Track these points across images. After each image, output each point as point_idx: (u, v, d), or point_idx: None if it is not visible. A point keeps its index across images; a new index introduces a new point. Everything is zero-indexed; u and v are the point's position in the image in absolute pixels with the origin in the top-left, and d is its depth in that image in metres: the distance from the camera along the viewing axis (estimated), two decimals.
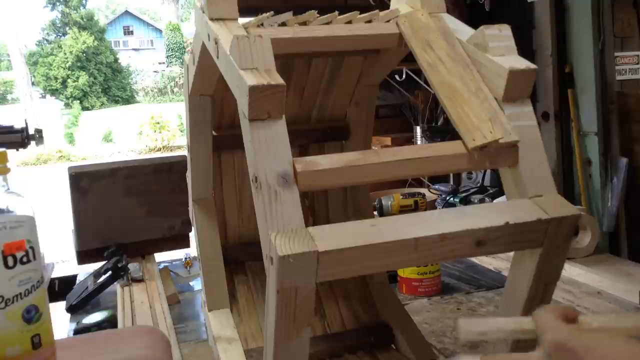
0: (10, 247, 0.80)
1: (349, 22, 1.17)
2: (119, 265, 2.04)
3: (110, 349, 1.00)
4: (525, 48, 2.99)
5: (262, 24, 1.12)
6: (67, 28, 27.64)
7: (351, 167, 0.93)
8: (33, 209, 0.84)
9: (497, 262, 2.19)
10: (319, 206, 1.75)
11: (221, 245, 1.61)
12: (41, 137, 2.30)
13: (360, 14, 1.18)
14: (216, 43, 1.03)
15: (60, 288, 2.32)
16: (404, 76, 3.62)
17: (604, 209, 2.78)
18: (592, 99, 2.79)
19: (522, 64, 0.99)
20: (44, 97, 27.76)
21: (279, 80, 0.90)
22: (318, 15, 1.16)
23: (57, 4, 28.45)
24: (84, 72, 26.22)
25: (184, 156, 1.82)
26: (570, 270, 1.98)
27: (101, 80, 26.89)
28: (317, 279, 0.85)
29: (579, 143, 2.84)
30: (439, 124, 3.80)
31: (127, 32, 34.93)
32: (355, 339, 1.54)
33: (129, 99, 27.96)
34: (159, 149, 16.45)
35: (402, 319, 1.55)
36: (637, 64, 2.84)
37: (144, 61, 32.09)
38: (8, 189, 0.84)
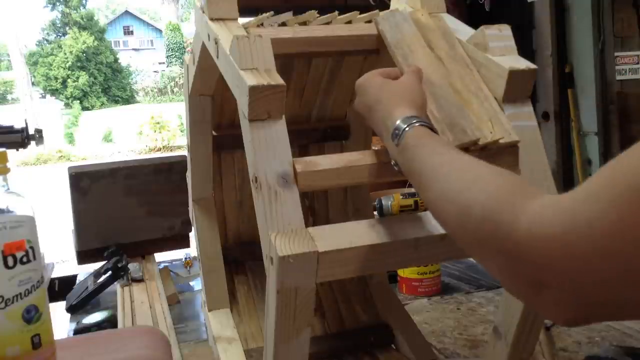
0: (10, 247, 0.80)
1: (349, 22, 1.17)
2: (119, 265, 2.04)
3: (110, 349, 1.00)
4: (525, 48, 2.99)
5: (262, 24, 1.12)
6: (67, 28, 27.67)
7: (351, 167, 0.93)
8: (33, 209, 0.84)
9: None
10: (319, 206, 1.75)
11: (221, 245, 1.61)
12: (41, 137, 2.30)
13: (360, 14, 1.18)
14: (216, 43, 1.03)
15: (60, 288, 2.32)
16: None
17: None
18: (592, 99, 2.79)
19: (522, 64, 0.98)
20: (44, 97, 27.80)
21: (279, 80, 0.90)
22: (318, 15, 1.16)
23: (57, 4, 28.47)
24: (84, 72, 26.26)
25: (184, 156, 1.82)
26: None
27: (101, 80, 26.92)
28: (317, 279, 0.85)
29: (579, 143, 2.85)
30: None
31: (127, 32, 34.97)
32: (355, 339, 1.53)
33: (129, 99, 27.99)
34: (159, 149, 16.48)
35: (402, 319, 1.55)
36: (637, 64, 2.84)
37: (144, 61, 32.13)
38: (8, 189, 0.84)
